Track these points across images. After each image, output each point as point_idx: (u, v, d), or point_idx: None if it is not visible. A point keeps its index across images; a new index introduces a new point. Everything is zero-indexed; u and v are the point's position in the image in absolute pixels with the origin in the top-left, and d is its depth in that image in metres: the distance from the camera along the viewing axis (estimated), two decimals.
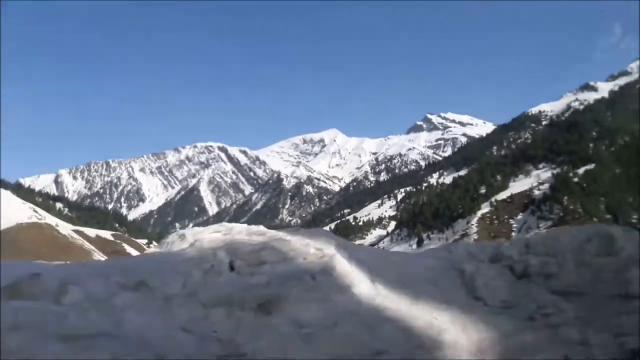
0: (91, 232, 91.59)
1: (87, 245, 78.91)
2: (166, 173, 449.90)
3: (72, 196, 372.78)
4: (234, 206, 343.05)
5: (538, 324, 6.12)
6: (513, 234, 74.36)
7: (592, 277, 9.36)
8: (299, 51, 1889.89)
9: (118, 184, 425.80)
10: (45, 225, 77.73)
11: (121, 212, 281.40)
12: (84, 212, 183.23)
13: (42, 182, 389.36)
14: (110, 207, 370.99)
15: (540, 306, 6.86)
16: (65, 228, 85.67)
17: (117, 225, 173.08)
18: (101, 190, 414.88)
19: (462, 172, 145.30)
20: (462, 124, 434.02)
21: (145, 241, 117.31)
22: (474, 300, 7.27)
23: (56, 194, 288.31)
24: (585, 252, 10.08)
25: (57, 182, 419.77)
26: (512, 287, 8.00)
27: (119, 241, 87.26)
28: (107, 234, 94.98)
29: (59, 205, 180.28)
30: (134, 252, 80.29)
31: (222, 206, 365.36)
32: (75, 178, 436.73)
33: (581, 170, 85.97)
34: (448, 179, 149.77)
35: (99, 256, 70.98)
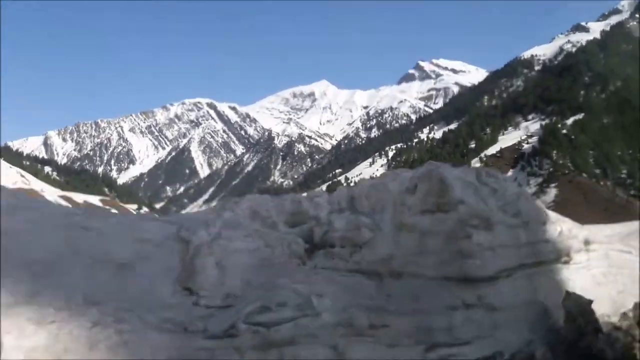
0: (79, 197, 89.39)
1: None
2: (156, 133, 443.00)
3: (61, 159, 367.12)
4: (226, 167, 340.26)
5: None
6: None
7: (414, 247, 6.65)
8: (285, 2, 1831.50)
9: (108, 145, 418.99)
10: (31, 192, 75.09)
11: (111, 176, 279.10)
12: (73, 176, 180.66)
13: (31, 145, 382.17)
14: (100, 169, 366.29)
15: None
16: (52, 194, 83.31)
17: (106, 189, 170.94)
18: (91, 153, 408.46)
19: (453, 126, 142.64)
20: (454, 71, 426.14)
21: (135, 206, 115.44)
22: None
23: (45, 157, 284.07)
24: (406, 207, 7.09)
25: (47, 145, 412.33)
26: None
27: (107, 207, 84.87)
28: (95, 200, 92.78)
29: (47, 169, 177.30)
30: None
31: (214, 167, 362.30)
32: (64, 140, 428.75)
33: (570, 121, 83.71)
34: (439, 133, 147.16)
35: None
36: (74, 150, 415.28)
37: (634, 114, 79.41)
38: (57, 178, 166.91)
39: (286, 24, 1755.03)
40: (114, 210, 77.54)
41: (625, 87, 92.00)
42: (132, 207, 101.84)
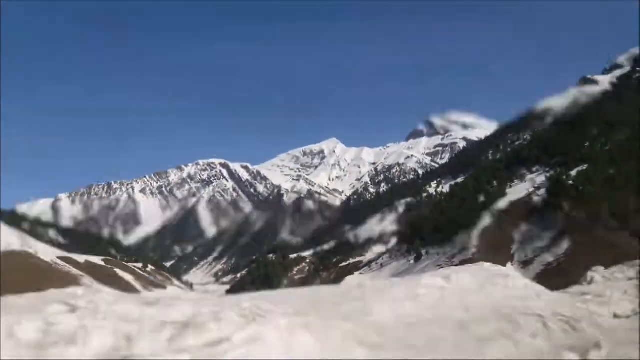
0: (80, 257, 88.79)
1: (74, 271, 75.95)
2: (166, 193, 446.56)
3: (68, 222, 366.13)
4: (234, 226, 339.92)
5: None
6: (513, 246, 70.92)
7: None
8: (286, 58, 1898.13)
9: (116, 206, 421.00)
10: (23, 254, 74.59)
11: (117, 239, 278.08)
12: (76, 238, 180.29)
13: (39, 208, 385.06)
14: (105, 231, 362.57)
15: None
16: (48, 255, 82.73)
17: (112, 251, 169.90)
18: (97, 215, 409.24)
19: (460, 179, 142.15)
20: (464, 126, 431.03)
21: (140, 265, 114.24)
22: None
23: (51, 220, 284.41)
24: None
25: (55, 207, 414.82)
26: None
27: (110, 266, 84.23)
28: (97, 259, 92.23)
29: (51, 232, 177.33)
30: (127, 277, 77.20)
31: (221, 226, 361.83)
32: (73, 202, 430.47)
33: (574, 172, 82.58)
34: (446, 187, 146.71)
35: (89, 281, 68.14)
36: (82, 212, 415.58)
37: (638, 164, 78.04)
38: (61, 241, 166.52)
39: (297, 80, 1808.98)
40: (117, 270, 77.06)
41: (631, 138, 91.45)
42: (137, 265, 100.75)
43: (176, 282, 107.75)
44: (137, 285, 74.26)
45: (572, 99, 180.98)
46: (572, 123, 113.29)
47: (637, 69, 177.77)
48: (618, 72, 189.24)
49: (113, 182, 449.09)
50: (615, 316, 10.83)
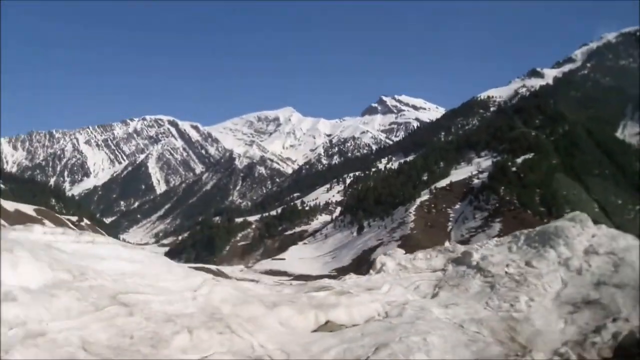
0: (11, 205, 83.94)
1: None
2: (113, 147, 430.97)
3: (11, 167, 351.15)
4: (183, 185, 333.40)
5: None
6: (449, 224, 73.77)
7: None
8: (257, 24, 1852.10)
9: (62, 156, 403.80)
10: None
11: (62, 187, 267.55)
12: (21, 184, 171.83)
13: None
14: (52, 180, 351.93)
15: None
16: None
17: (53, 200, 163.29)
18: (43, 163, 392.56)
19: (410, 158, 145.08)
20: (415, 107, 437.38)
21: (74, 218, 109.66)
22: None
23: None
24: None
25: None
26: None
27: (40, 217, 79.75)
28: (29, 209, 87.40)
29: None
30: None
31: (171, 184, 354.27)
32: (15, 148, 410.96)
33: (520, 160, 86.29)
34: (396, 164, 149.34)
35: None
36: (26, 159, 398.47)
37: (582, 157, 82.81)
38: (3, 186, 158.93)
39: (255, 46, 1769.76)
40: (46, 221, 73.44)
41: (573, 132, 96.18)
42: (72, 218, 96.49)
43: (109, 239, 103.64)
44: None
45: (512, 90, 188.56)
46: (514, 113, 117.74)
47: (588, 64, 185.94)
48: (568, 67, 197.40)
49: (54, 131, 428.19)
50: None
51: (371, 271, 11.26)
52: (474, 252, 10.06)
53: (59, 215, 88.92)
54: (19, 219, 74.52)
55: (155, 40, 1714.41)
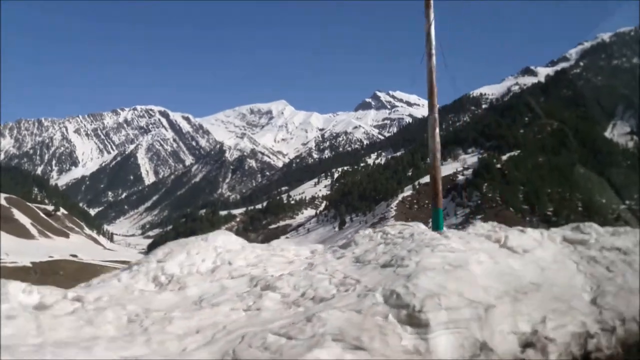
0: None
1: None
2: (102, 136, 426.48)
3: None
4: (172, 177, 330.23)
5: None
6: (430, 220, 72.15)
7: None
8: (251, 17, 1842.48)
9: (50, 144, 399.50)
10: None
11: (46, 177, 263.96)
12: (4, 173, 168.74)
13: None
14: (40, 169, 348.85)
15: None
16: None
17: (36, 189, 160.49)
18: (31, 151, 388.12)
19: (399, 153, 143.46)
20: (409, 103, 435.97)
21: (50, 207, 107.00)
22: None
23: None
24: None
25: None
26: None
27: (9, 206, 77.12)
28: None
29: None
30: (24, 219, 70.58)
31: (160, 176, 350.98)
32: (3, 136, 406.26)
33: (505, 157, 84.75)
34: (385, 160, 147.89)
35: None
36: (13, 147, 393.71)
37: (569, 156, 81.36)
38: None
39: (250, 41, 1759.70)
40: (15, 210, 70.98)
41: (561, 130, 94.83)
42: (47, 207, 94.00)
43: (87, 230, 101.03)
44: (32, 230, 68.63)
45: (505, 88, 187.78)
46: (504, 110, 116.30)
47: (581, 63, 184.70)
48: (562, 66, 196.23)
49: (43, 119, 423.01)
50: None
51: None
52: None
53: (30, 205, 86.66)
54: None
55: (151, 32, 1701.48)
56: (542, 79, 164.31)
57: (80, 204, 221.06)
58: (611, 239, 6.39)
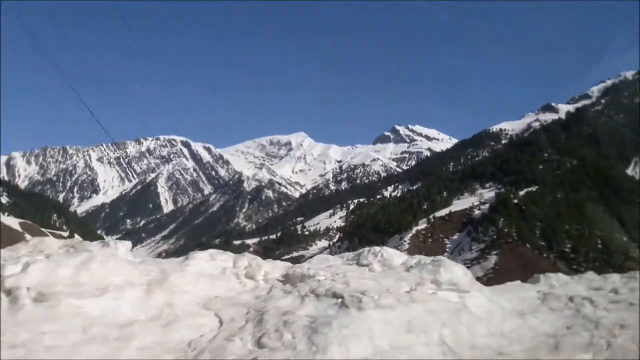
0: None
1: None
2: (125, 165, 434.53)
3: (23, 181, 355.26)
4: (190, 205, 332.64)
5: None
6: (445, 254, 70.50)
7: None
8: (272, 49, 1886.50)
9: (73, 172, 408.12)
10: None
11: (66, 204, 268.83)
12: (26, 198, 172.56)
13: None
14: (62, 196, 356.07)
15: None
16: None
17: (55, 215, 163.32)
18: (54, 178, 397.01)
19: (416, 186, 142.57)
20: (428, 138, 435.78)
21: (66, 234, 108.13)
22: None
23: (6, 178, 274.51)
24: None
25: (9, 165, 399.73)
26: None
27: (22, 231, 77.87)
28: (14, 222, 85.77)
29: None
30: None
31: (179, 204, 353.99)
32: (29, 162, 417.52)
33: (523, 192, 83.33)
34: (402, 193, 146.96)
35: None
36: (37, 174, 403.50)
37: (588, 193, 79.78)
38: (8, 199, 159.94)
39: (272, 71, 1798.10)
40: (27, 236, 71.45)
41: (580, 167, 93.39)
42: (63, 234, 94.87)
43: None
44: None
45: (525, 124, 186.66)
46: (523, 145, 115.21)
47: (602, 100, 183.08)
48: (583, 103, 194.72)
49: (68, 147, 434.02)
50: None
51: None
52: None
53: (44, 230, 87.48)
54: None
55: (178, 66, 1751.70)
56: (563, 116, 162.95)
57: (99, 231, 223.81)
58: None
